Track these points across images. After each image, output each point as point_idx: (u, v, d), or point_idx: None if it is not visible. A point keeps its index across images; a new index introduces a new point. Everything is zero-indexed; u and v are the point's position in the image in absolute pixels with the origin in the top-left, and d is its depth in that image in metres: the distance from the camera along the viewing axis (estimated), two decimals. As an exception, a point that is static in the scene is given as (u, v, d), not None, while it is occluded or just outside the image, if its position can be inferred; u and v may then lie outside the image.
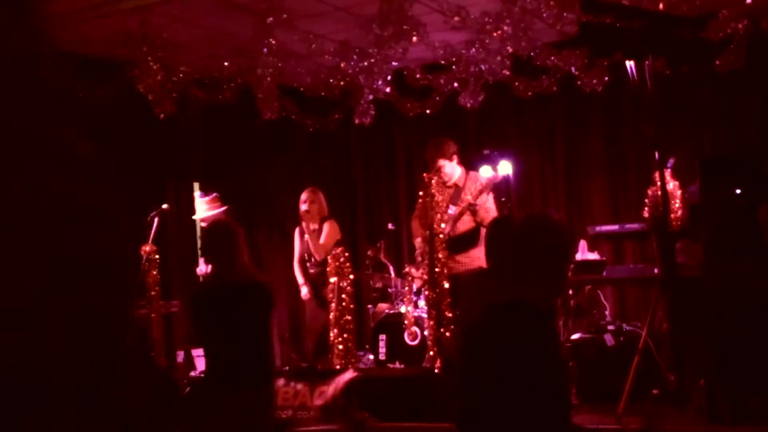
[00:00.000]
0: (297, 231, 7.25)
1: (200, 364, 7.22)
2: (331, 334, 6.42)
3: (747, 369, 5.04)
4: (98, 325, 1.01)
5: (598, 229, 7.43)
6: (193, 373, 6.20)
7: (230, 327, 4.08)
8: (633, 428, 4.99)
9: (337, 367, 6.16)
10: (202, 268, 6.97)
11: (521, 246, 2.73)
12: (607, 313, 7.09)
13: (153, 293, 6.61)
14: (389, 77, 7.10)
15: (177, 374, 7.26)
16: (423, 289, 6.61)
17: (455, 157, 6.31)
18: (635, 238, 7.28)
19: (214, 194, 7.15)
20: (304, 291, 7.10)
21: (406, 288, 6.66)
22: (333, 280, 6.49)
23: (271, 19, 6.09)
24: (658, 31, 4.03)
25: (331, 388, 5.61)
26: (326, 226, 6.95)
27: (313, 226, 6.93)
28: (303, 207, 6.93)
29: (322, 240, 6.88)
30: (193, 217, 7.29)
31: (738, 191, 5.46)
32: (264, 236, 9.36)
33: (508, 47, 6.56)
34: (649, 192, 6.75)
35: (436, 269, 5.91)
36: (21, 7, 1.13)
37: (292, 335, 9.24)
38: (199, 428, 4.21)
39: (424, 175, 6.20)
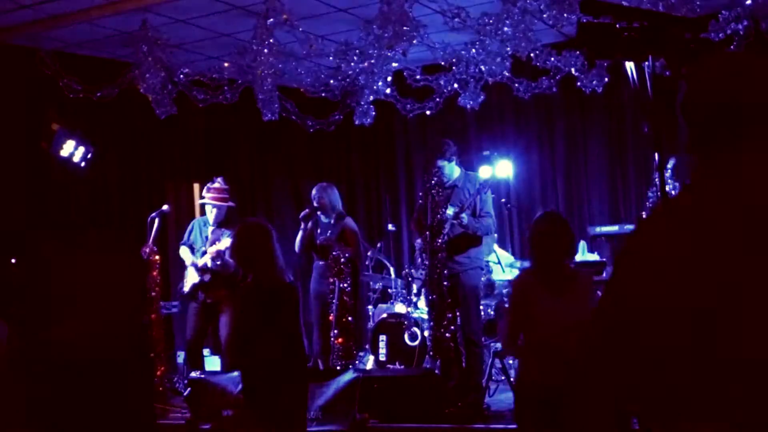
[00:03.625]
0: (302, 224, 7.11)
1: (207, 364, 7.21)
2: (332, 335, 6.42)
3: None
4: None
5: (597, 229, 7.44)
6: (193, 374, 6.17)
7: (272, 329, 4.01)
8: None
9: (338, 367, 6.16)
10: (197, 262, 6.81)
11: None
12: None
13: (153, 294, 6.61)
14: (389, 78, 7.10)
15: (177, 375, 7.26)
16: (423, 289, 6.61)
17: (454, 158, 6.30)
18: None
19: (227, 186, 7.04)
20: (320, 263, 6.99)
21: (406, 289, 6.66)
22: (332, 280, 6.49)
23: (271, 19, 6.09)
24: (658, 31, 4.03)
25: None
26: (347, 224, 6.90)
27: (330, 219, 6.91)
28: (317, 203, 6.87)
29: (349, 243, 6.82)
30: (200, 202, 7.27)
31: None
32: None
33: (508, 48, 6.55)
34: (650, 193, 6.75)
35: (436, 270, 5.91)
36: None
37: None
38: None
39: (424, 175, 6.18)
